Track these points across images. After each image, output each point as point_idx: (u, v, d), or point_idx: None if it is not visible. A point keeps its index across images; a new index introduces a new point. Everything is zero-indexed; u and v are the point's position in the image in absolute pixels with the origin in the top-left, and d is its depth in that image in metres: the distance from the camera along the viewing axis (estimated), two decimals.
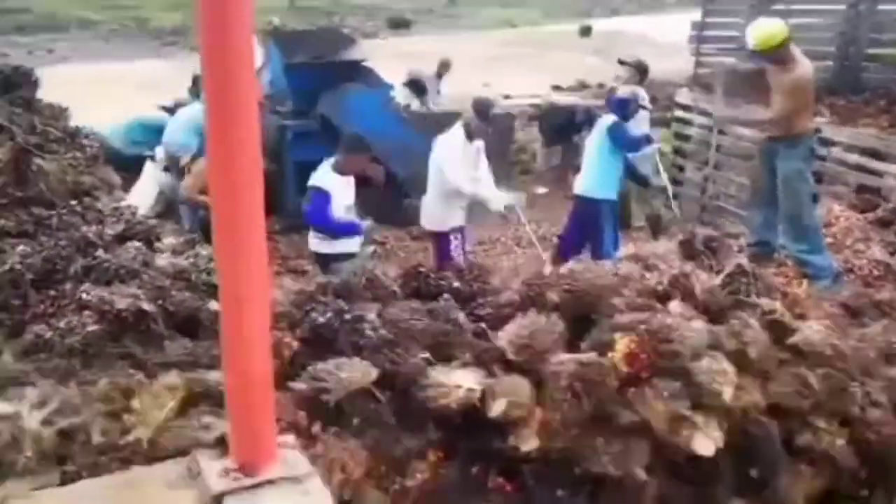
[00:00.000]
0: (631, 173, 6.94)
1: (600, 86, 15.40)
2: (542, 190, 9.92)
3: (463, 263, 5.99)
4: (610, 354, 3.26)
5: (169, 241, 3.51)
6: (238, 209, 2.20)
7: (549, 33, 22.76)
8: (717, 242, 4.63)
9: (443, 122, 9.40)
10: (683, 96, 8.73)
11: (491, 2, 27.65)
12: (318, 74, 7.81)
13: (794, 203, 5.40)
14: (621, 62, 8.62)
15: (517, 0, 28.59)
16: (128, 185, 7.73)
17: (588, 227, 6.66)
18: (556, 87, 15.83)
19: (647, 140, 6.87)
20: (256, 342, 2.37)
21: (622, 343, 3.27)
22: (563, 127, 9.81)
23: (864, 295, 4.18)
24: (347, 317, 3.16)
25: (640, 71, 8.24)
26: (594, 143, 6.55)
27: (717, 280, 3.88)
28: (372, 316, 3.23)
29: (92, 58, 20.02)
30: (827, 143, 7.70)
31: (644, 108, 7.00)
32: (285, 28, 11.99)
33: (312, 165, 7.84)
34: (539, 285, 3.61)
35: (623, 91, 6.84)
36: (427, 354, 3.15)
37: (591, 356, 3.24)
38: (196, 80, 8.69)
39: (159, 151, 7.65)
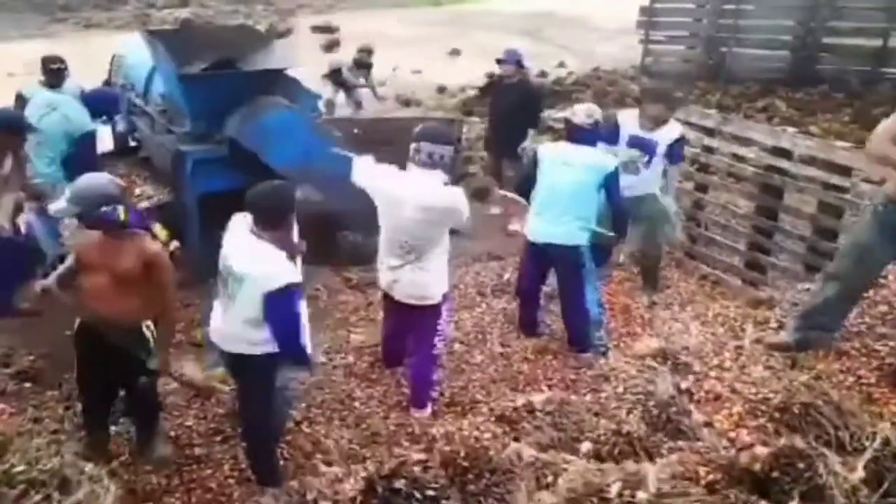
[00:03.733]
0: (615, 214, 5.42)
1: (542, 74, 14.06)
2: (495, 210, 8.42)
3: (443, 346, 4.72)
4: None
5: None
6: None
7: (475, 12, 21.23)
8: None
9: (379, 129, 7.93)
10: (700, 116, 7.19)
11: None
12: (223, 88, 6.03)
13: None
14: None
15: None
16: None
17: (567, 281, 5.26)
18: (491, 76, 14.29)
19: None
20: None
21: None
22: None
23: None
24: None
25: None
26: (574, 182, 5.10)
27: (859, 470, 2.53)
28: None
29: None
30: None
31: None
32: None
33: (220, 197, 6.26)
34: None
35: (585, 112, 5.30)
36: None
37: None
38: (49, 63, 6.77)
39: None
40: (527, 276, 5.55)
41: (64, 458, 2.34)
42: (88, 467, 2.43)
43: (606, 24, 19.05)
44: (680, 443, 3.55)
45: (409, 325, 4.76)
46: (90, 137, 6.23)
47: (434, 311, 4.58)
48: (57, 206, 3.82)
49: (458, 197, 4.43)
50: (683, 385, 4.02)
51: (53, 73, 6.78)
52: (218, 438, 4.26)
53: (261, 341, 3.76)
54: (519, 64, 7.92)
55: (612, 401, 3.92)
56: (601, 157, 5.16)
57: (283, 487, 3.54)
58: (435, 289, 4.54)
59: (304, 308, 4.16)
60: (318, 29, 14.62)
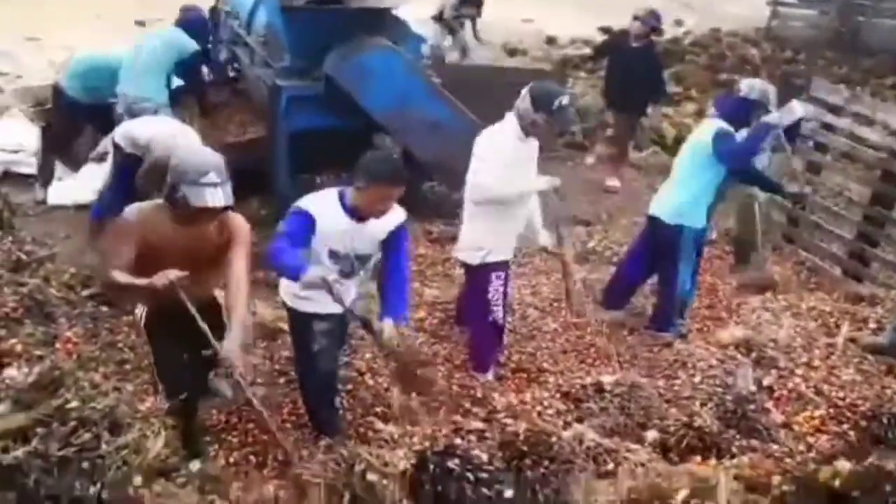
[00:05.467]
0: (756, 178, 5.14)
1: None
2: (590, 160, 8.16)
3: (500, 315, 4.45)
4: None
5: None
6: None
7: None
8: None
9: (483, 79, 7.68)
10: (827, 91, 6.63)
11: None
12: (326, 23, 5.87)
13: None
14: None
15: None
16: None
17: (661, 259, 4.99)
18: (605, 30, 13.79)
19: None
20: None
21: None
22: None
23: None
24: None
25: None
26: (687, 151, 4.83)
27: None
28: None
29: None
30: None
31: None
32: None
33: (311, 137, 6.10)
34: None
35: (748, 84, 4.90)
36: None
37: None
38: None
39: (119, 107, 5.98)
40: (634, 249, 5.31)
41: (121, 395, 2.32)
42: (145, 405, 2.43)
43: None
44: (753, 442, 3.36)
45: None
46: (195, 57, 6.24)
47: (477, 274, 4.37)
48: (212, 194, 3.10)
49: (486, 141, 4.17)
50: (765, 381, 3.79)
51: None
52: (281, 381, 4.25)
53: (300, 296, 3.63)
54: (654, 29, 7.58)
55: (685, 389, 3.73)
56: (706, 126, 4.80)
57: (338, 439, 3.54)
58: (476, 250, 4.31)
59: None
60: None
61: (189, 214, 3.13)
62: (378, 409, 4.04)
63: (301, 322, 3.70)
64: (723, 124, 4.65)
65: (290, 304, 3.71)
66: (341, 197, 3.50)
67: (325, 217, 3.45)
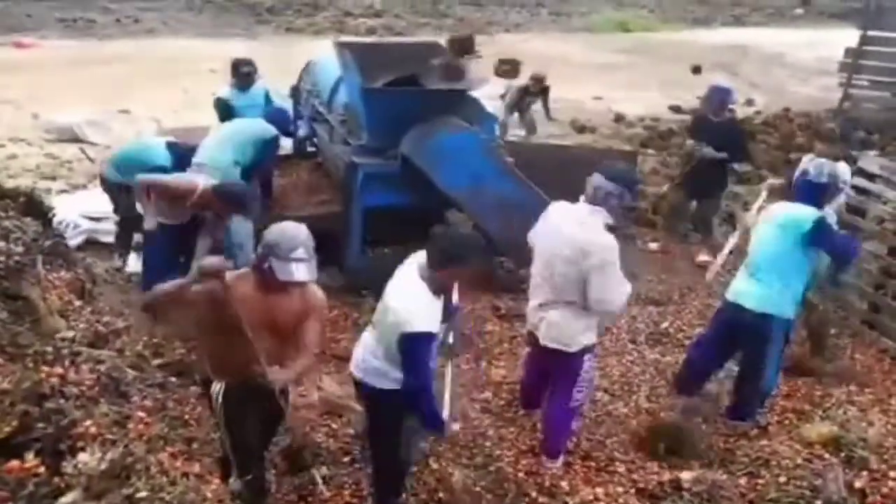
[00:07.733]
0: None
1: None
2: (654, 245, 8.05)
3: (584, 398, 4.31)
4: None
5: None
6: None
7: (665, 42, 20.62)
8: None
9: (549, 158, 7.73)
10: (869, 161, 6.55)
11: (604, 3, 25.72)
12: (404, 104, 6.03)
13: None
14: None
15: (632, 0, 26.55)
16: None
17: (748, 348, 4.78)
18: (675, 109, 13.85)
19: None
20: None
21: None
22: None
23: None
24: None
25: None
26: (775, 238, 4.58)
27: None
28: None
29: (179, 31, 19.06)
30: None
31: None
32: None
33: (384, 214, 6.20)
34: None
35: (816, 168, 4.75)
36: None
37: None
38: (240, 67, 7.26)
39: None
40: (708, 335, 5.06)
41: (189, 481, 2.28)
42: (211, 488, 2.40)
43: (804, 63, 17.98)
44: None
45: (548, 370, 4.43)
46: (273, 143, 6.41)
47: (574, 360, 4.20)
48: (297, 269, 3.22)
49: (608, 247, 3.93)
50: (857, 483, 3.56)
51: (244, 76, 7.17)
52: (345, 460, 4.17)
53: (394, 377, 3.53)
54: (723, 103, 7.61)
55: (770, 489, 3.53)
56: (800, 212, 4.57)
57: None
58: (577, 337, 4.15)
59: (450, 371, 3.96)
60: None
61: (273, 284, 3.23)
62: (441, 495, 3.93)
63: (392, 406, 3.57)
64: (817, 213, 4.49)
65: (379, 385, 3.57)
66: (422, 278, 3.46)
67: (432, 318, 3.43)
